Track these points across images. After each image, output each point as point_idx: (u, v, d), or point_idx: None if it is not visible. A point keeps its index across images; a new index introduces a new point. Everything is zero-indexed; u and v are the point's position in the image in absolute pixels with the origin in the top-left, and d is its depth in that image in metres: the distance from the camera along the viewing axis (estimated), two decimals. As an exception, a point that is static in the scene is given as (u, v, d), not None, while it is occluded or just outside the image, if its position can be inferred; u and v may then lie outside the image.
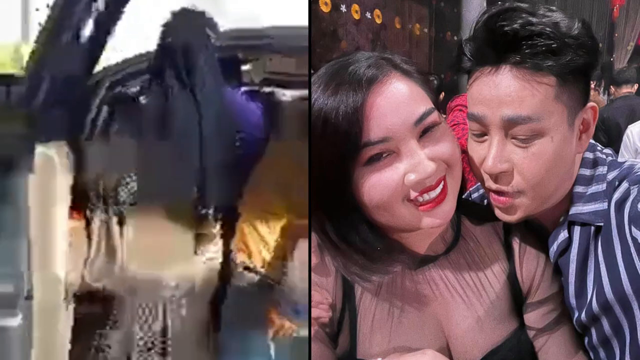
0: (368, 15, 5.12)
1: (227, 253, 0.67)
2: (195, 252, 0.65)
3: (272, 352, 0.68)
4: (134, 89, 0.65)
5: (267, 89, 0.66)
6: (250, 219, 0.66)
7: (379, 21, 5.30)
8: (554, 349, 0.80)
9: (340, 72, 0.68)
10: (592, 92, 2.66)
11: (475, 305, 0.79)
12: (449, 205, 0.71)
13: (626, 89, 3.67)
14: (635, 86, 3.69)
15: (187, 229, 0.65)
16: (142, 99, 0.64)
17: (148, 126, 0.64)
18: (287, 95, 0.66)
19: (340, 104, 0.65)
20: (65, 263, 0.66)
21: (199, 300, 0.66)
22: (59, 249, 0.65)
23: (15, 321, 0.65)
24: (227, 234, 0.66)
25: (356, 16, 4.95)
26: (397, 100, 0.66)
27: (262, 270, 0.67)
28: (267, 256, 0.67)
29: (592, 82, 0.95)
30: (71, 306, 0.65)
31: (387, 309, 0.77)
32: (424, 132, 0.68)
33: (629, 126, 2.95)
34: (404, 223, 0.71)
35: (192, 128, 0.63)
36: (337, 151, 0.66)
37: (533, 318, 0.81)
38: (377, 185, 0.67)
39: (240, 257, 0.67)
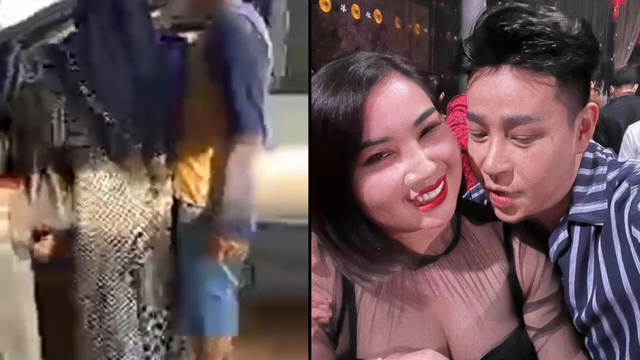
0: (368, 15, 5.12)
1: (174, 193, 0.73)
2: (152, 198, 0.69)
3: (227, 273, 0.74)
4: (54, 40, 0.65)
5: (178, 34, 0.69)
6: (186, 159, 0.70)
7: (379, 21, 5.29)
8: (554, 349, 0.80)
9: (340, 72, 0.68)
10: (592, 92, 2.66)
11: (475, 305, 0.79)
12: (449, 205, 0.71)
13: (626, 89, 3.67)
14: (635, 86, 3.69)
15: (136, 174, 0.68)
16: (66, 49, 0.65)
17: (78, 76, 0.65)
18: (189, 37, 0.69)
19: (340, 104, 0.65)
20: (7, 232, 0.67)
21: (159, 240, 0.71)
22: None
23: None
24: (173, 175, 0.71)
25: (356, 16, 4.94)
26: (397, 100, 0.66)
27: (202, 204, 0.72)
28: (204, 190, 0.71)
29: (592, 82, 0.95)
30: (30, 274, 0.67)
31: (387, 309, 0.77)
32: (424, 132, 0.68)
33: (629, 126, 2.95)
34: (404, 223, 0.71)
35: (123, 74, 0.65)
36: (337, 151, 0.66)
37: (533, 318, 0.81)
38: (377, 185, 0.67)
39: (183, 196, 0.72)
